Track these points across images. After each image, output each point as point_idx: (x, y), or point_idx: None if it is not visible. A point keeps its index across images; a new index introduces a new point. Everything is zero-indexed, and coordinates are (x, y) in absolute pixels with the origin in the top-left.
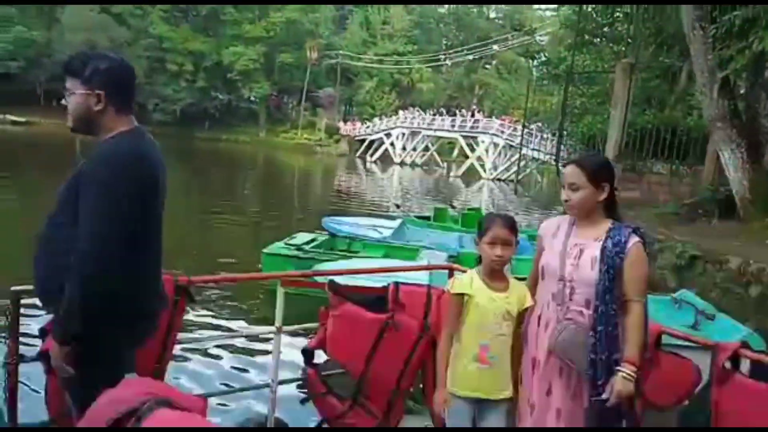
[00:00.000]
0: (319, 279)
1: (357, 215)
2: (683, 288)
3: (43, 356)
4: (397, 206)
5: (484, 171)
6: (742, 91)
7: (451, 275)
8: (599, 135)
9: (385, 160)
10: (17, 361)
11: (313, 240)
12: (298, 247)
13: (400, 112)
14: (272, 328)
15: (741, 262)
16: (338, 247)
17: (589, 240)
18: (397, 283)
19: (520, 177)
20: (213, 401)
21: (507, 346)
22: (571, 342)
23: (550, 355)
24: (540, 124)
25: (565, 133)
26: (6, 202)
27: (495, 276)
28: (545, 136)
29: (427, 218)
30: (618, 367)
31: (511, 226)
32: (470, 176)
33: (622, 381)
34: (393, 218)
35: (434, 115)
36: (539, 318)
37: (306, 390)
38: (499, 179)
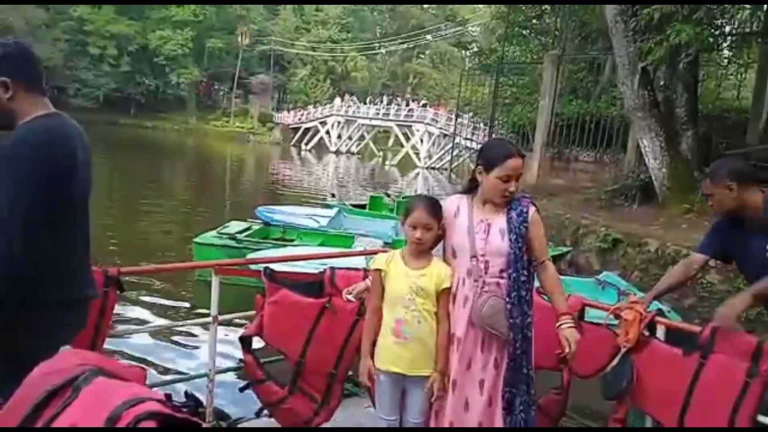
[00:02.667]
0: (254, 267)
1: (292, 204)
2: (606, 270)
3: None
4: (332, 195)
5: (419, 160)
6: (661, 83)
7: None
8: (528, 124)
9: (321, 149)
10: None
11: (246, 229)
12: (231, 236)
13: (336, 99)
14: (208, 318)
15: (659, 245)
16: (272, 235)
17: (493, 214)
18: (333, 268)
19: (453, 165)
20: None
21: (425, 324)
22: (495, 311)
23: (469, 330)
24: (472, 114)
25: (496, 122)
26: None
27: (416, 255)
28: (477, 125)
29: (363, 207)
30: (560, 322)
31: (433, 210)
32: (405, 165)
33: (570, 331)
34: (329, 207)
35: (370, 103)
36: (455, 296)
37: (245, 377)
38: (433, 168)
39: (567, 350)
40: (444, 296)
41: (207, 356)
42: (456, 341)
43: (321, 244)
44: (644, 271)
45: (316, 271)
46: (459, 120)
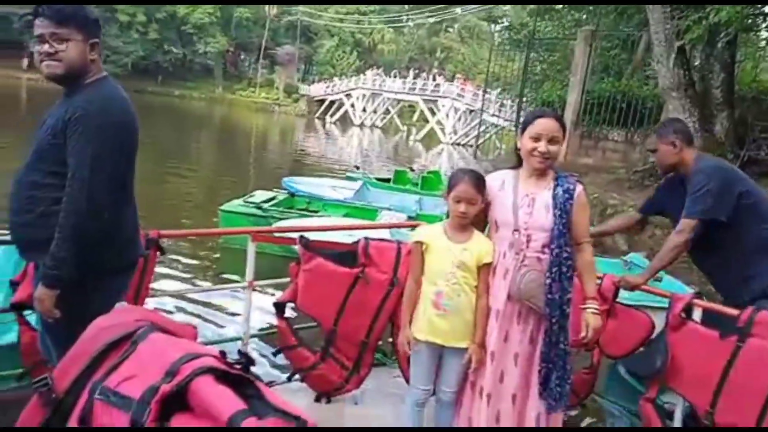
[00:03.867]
0: (289, 235)
1: (316, 176)
2: (633, 251)
3: (15, 307)
4: (357, 167)
5: (444, 135)
6: (696, 63)
7: None
8: (558, 101)
9: (345, 122)
10: None
11: (272, 199)
12: (257, 205)
13: (369, 72)
14: (243, 283)
15: None
16: (297, 206)
17: (539, 189)
18: (367, 239)
19: (479, 142)
20: None
21: (465, 297)
22: (534, 285)
23: (507, 302)
24: (500, 90)
25: (525, 99)
26: None
27: (459, 229)
28: (505, 102)
29: (387, 180)
30: (585, 306)
31: (477, 184)
32: (430, 140)
33: (593, 317)
34: (353, 180)
35: (396, 77)
36: (495, 269)
37: (277, 343)
38: (458, 144)
39: (583, 334)
40: (484, 270)
41: (241, 321)
42: (495, 313)
43: (345, 216)
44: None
45: (350, 241)
46: (486, 96)
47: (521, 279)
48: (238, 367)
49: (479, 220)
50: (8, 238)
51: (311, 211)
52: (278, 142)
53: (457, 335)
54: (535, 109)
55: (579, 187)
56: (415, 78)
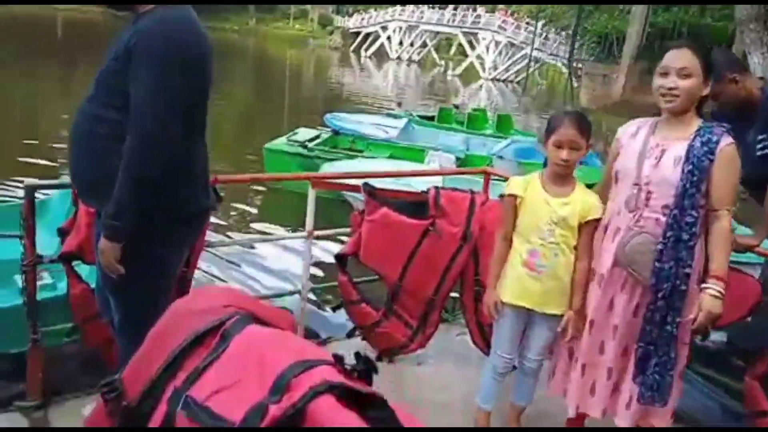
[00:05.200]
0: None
1: (353, 112)
2: None
3: (64, 258)
4: (399, 104)
5: (484, 70)
6: None
7: (487, 181)
8: (615, 33)
9: (381, 56)
10: (35, 263)
11: (316, 137)
12: (302, 144)
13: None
14: (303, 233)
15: None
16: (341, 145)
17: (673, 141)
18: (437, 188)
19: (520, 78)
20: None
21: (562, 258)
22: (640, 250)
23: (614, 267)
24: (544, 22)
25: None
26: None
27: (559, 180)
28: (549, 35)
29: (431, 118)
30: (706, 284)
31: (581, 126)
32: (468, 75)
33: (711, 300)
34: (396, 117)
35: (435, 8)
36: (606, 227)
37: (338, 297)
38: (498, 79)
39: (693, 316)
40: (588, 228)
41: (299, 272)
42: (598, 278)
43: (390, 156)
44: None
45: (418, 190)
46: (530, 29)
47: (628, 241)
48: (357, 375)
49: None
50: (64, 181)
51: (356, 151)
52: (313, 76)
53: (551, 300)
54: (558, 115)
55: (725, 140)
56: (454, 9)
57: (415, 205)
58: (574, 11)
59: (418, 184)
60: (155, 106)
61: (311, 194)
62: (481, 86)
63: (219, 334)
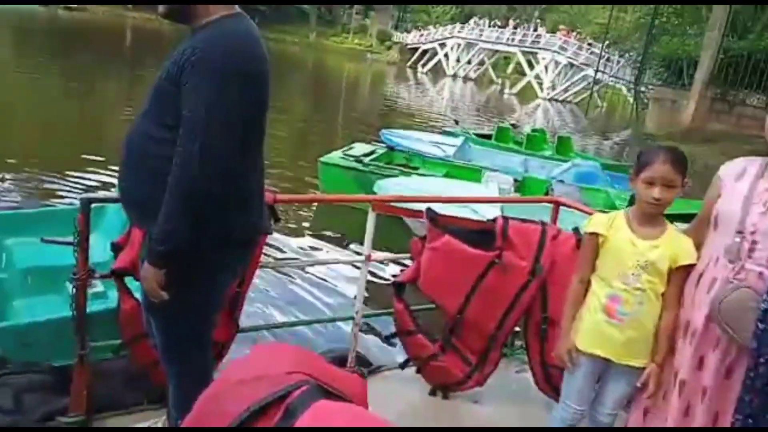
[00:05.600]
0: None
1: (408, 128)
2: None
3: (116, 274)
4: (456, 122)
5: (542, 90)
6: None
7: (556, 211)
8: (684, 58)
9: (437, 72)
10: (86, 277)
11: (371, 152)
12: (357, 159)
13: (472, 20)
14: (360, 257)
15: None
16: (396, 161)
17: None
18: (505, 217)
19: (578, 99)
20: (289, 331)
21: (648, 306)
22: (739, 307)
23: (709, 322)
24: (607, 44)
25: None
26: (57, 88)
27: (647, 221)
28: (611, 56)
29: (488, 137)
30: None
31: (677, 163)
32: (525, 95)
33: None
34: (452, 135)
35: (493, 26)
36: (701, 276)
37: (393, 326)
38: (555, 100)
39: None
40: (679, 275)
41: (353, 294)
42: (690, 332)
43: (446, 175)
44: None
45: (483, 218)
46: (591, 50)
47: (725, 295)
48: None
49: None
50: (116, 196)
51: (411, 168)
52: (368, 90)
53: (632, 351)
54: (651, 148)
55: None
56: (515, 28)
57: (480, 235)
58: (641, 34)
59: (479, 209)
60: (209, 122)
61: (371, 217)
62: (538, 106)
63: (283, 408)
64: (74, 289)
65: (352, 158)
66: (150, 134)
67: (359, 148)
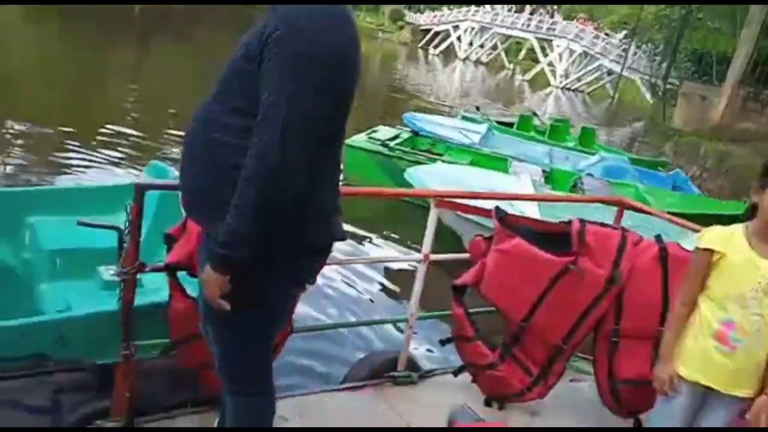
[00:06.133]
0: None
1: (422, 110)
2: None
3: (170, 268)
4: (477, 108)
5: (554, 78)
6: None
7: (621, 213)
8: (713, 54)
9: (448, 55)
10: (137, 271)
11: (396, 137)
12: (383, 143)
13: (487, 5)
14: (417, 256)
15: None
16: (420, 146)
17: None
18: (583, 221)
19: (591, 90)
20: (340, 332)
21: (766, 332)
22: None
23: None
24: (624, 35)
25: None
26: (70, 60)
27: None
28: (628, 47)
29: (509, 125)
30: None
31: None
32: (536, 82)
33: None
34: (471, 120)
35: (511, 11)
36: None
37: (451, 331)
38: (568, 88)
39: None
40: None
41: (406, 294)
42: None
43: (471, 163)
44: None
45: (556, 220)
46: (608, 40)
47: None
48: None
49: None
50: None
51: (435, 154)
52: (379, 70)
53: (742, 381)
54: None
55: None
56: (531, 14)
57: (554, 238)
58: (662, 26)
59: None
60: (292, 110)
61: (433, 213)
62: (549, 93)
63: None
64: (122, 283)
65: (377, 142)
66: (220, 120)
67: (383, 132)
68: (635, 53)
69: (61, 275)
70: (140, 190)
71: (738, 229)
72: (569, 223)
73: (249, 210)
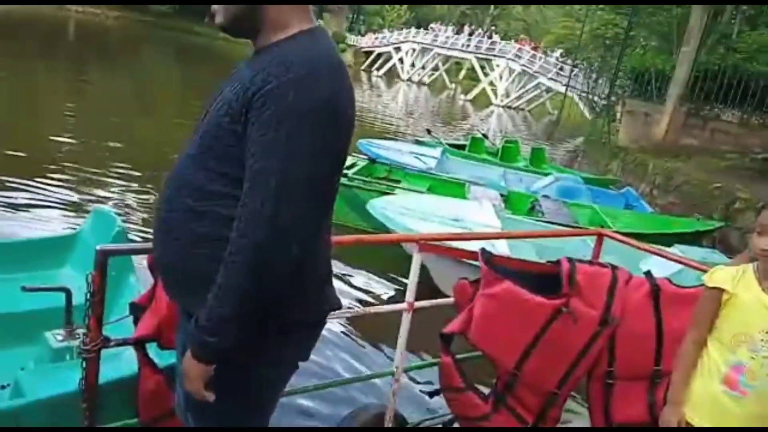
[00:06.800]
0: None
1: (370, 135)
2: None
3: (137, 343)
4: (428, 131)
5: (496, 97)
6: None
7: (600, 244)
8: (653, 72)
9: (391, 76)
10: (100, 346)
11: (353, 165)
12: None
13: (431, 25)
14: (402, 305)
15: None
16: (377, 174)
17: None
18: (571, 260)
19: (531, 107)
20: (323, 392)
21: None
22: None
23: None
24: (561, 53)
25: (594, 64)
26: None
27: None
28: (564, 64)
29: (461, 147)
30: None
31: None
32: (478, 101)
33: None
34: (428, 145)
35: (453, 33)
36: None
37: (439, 382)
38: (509, 107)
39: None
40: None
41: (396, 350)
42: None
43: (429, 189)
44: None
45: (542, 261)
46: (546, 58)
47: None
48: None
49: None
50: (147, 246)
51: (393, 180)
52: None
53: (752, 426)
54: None
55: None
56: (470, 35)
57: (543, 279)
58: (595, 45)
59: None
60: (284, 176)
61: (416, 259)
62: (492, 112)
63: None
64: (83, 363)
65: None
66: (199, 186)
67: None
68: (572, 71)
69: (1, 343)
70: (104, 256)
71: (749, 268)
72: (558, 262)
73: (235, 290)
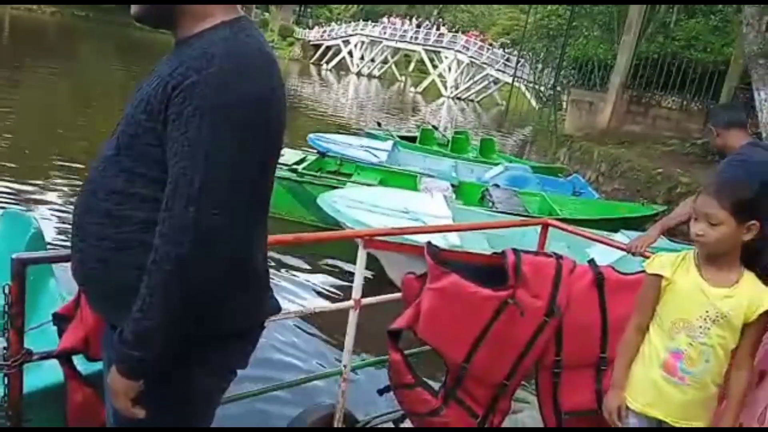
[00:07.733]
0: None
1: (321, 130)
2: None
3: (62, 356)
4: (378, 124)
5: (445, 89)
6: None
7: (545, 234)
8: (595, 61)
9: (341, 69)
10: (22, 361)
11: (302, 160)
12: (291, 168)
13: (395, 19)
14: (348, 303)
15: None
16: (327, 168)
17: None
18: (517, 251)
19: (480, 98)
20: (268, 396)
21: (715, 364)
22: None
23: None
24: (507, 44)
25: (542, 55)
26: None
27: (718, 263)
28: (511, 56)
29: (412, 140)
30: None
31: (724, 197)
32: (429, 92)
33: None
34: (378, 138)
35: (401, 25)
36: None
37: (388, 379)
38: (458, 98)
39: None
40: (756, 327)
41: (344, 348)
42: None
43: (381, 182)
44: None
45: (487, 252)
46: (492, 50)
47: None
48: None
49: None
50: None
51: (344, 174)
52: None
53: (693, 413)
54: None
55: None
56: (417, 27)
57: (491, 270)
58: (539, 35)
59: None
60: (210, 175)
61: (361, 255)
62: (442, 104)
63: None
64: (5, 379)
65: (285, 167)
66: (117, 189)
67: (289, 156)
68: (519, 62)
69: None
70: (21, 265)
71: (689, 255)
72: (503, 254)
73: (159, 300)
